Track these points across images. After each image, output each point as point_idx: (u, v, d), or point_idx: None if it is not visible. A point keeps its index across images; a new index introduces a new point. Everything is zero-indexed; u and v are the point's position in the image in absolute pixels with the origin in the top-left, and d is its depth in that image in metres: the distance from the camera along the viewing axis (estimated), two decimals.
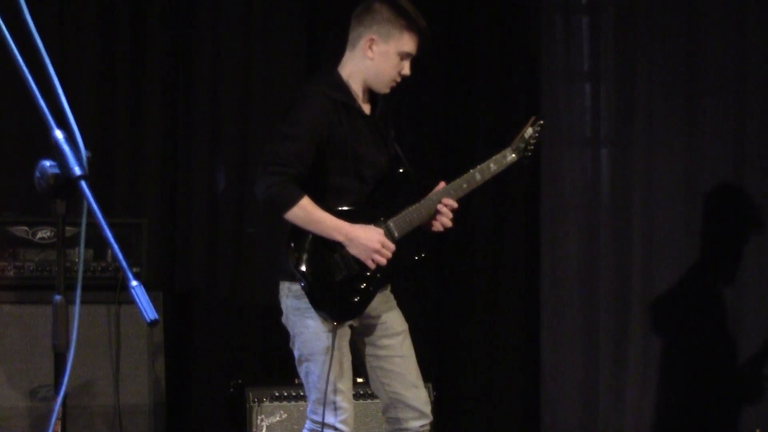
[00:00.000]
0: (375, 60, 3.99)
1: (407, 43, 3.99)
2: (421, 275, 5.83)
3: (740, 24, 5.72)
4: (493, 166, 4.13)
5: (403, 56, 4.00)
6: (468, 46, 6.06)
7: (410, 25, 3.98)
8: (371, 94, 4.08)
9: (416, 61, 4.06)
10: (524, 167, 4.39)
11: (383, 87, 4.05)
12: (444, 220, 4.04)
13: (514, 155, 4.18)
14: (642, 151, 5.78)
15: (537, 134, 4.23)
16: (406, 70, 4.03)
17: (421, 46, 4.03)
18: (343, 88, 4.00)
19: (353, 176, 3.98)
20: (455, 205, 4.05)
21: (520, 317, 6.04)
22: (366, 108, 4.06)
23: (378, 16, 3.99)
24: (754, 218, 5.67)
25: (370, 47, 3.99)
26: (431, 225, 4.07)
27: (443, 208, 4.03)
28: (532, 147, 4.21)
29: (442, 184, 4.08)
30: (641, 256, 5.77)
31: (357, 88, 4.03)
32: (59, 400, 2.20)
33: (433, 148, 5.95)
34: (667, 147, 5.78)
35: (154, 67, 5.64)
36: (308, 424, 3.98)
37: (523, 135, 4.21)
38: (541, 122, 4.25)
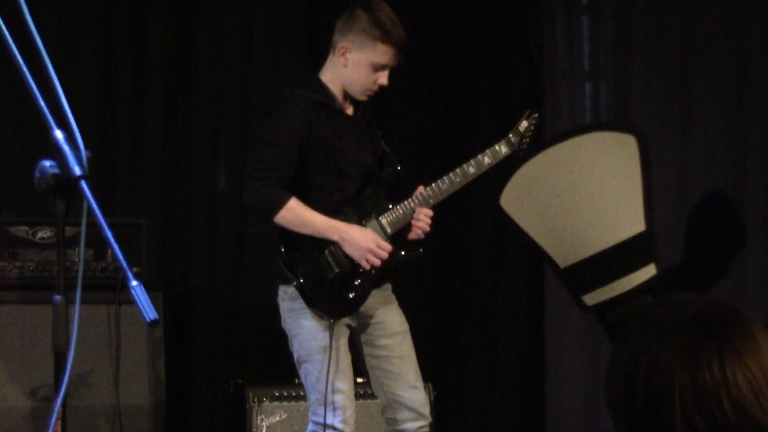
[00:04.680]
0: (348, 68, 3.97)
1: (381, 54, 3.95)
2: (423, 274, 5.82)
3: (739, 24, 5.71)
4: (486, 159, 4.13)
5: (377, 67, 3.96)
6: (469, 46, 6.06)
7: (384, 37, 3.93)
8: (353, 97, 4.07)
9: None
10: (520, 159, 4.39)
11: (358, 94, 4.02)
12: (421, 225, 4.02)
13: (507, 148, 4.18)
14: None
15: (533, 127, 4.23)
16: (383, 80, 3.99)
17: (398, 58, 3.99)
18: (322, 89, 3.98)
19: (336, 174, 3.97)
20: (430, 212, 4.03)
21: (524, 316, 6.03)
22: (348, 109, 4.04)
23: (355, 25, 3.96)
24: (753, 218, 5.66)
25: (342, 54, 3.97)
26: (409, 231, 4.05)
27: (419, 215, 4.02)
28: (527, 140, 4.21)
29: (421, 188, 4.06)
30: None
31: (337, 91, 4.01)
32: (59, 400, 2.19)
33: (434, 148, 5.94)
34: (665, 146, 5.77)
35: (154, 67, 5.64)
36: (310, 426, 3.98)
37: (518, 128, 4.21)
38: (536, 116, 4.25)
